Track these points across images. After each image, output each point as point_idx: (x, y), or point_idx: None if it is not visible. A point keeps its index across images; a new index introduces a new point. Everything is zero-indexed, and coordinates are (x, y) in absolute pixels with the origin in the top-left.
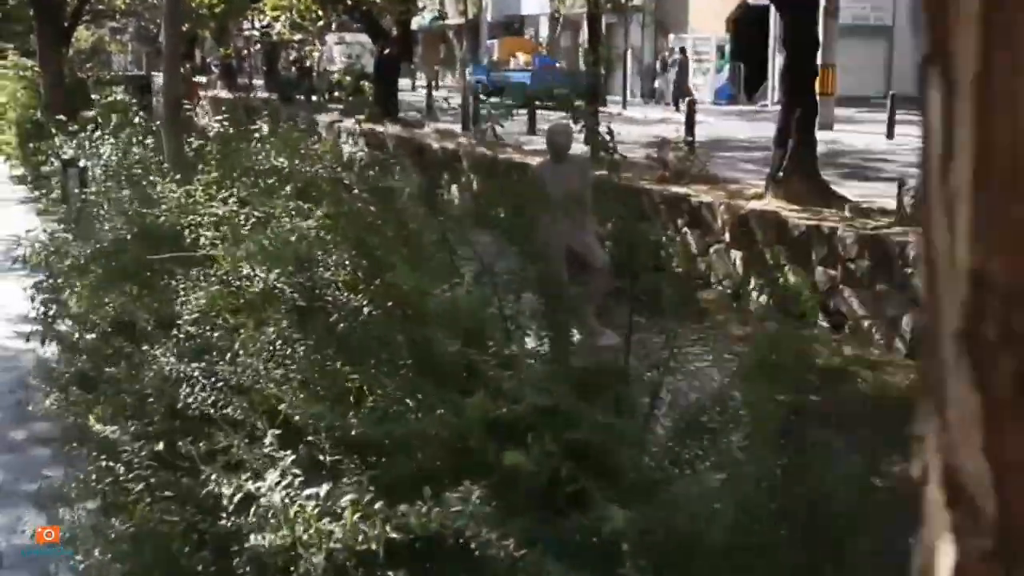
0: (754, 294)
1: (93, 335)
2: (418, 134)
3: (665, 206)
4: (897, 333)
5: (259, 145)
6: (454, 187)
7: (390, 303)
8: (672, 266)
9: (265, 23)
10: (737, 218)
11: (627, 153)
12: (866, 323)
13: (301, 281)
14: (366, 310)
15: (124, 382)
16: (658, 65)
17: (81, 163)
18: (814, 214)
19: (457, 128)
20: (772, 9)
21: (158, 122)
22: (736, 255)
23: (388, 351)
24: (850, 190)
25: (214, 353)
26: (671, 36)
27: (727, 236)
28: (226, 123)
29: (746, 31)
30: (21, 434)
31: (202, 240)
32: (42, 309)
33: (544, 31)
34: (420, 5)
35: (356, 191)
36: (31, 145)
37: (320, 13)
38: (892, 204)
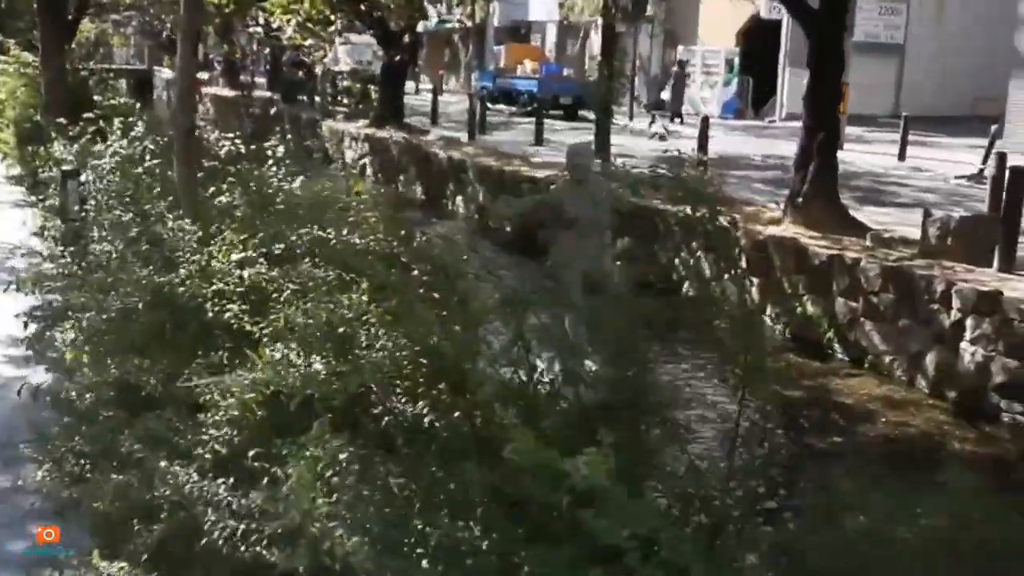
0: (769, 322)
1: (92, 396)
2: (424, 141)
3: (680, 228)
4: (919, 370)
5: (278, 178)
6: (459, 198)
7: (457, 413)
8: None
9: (276, 26)
10: (754, 244)
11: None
12: (887, 358)
13: (345, 371)
14: (427, 418)
15: (133, 489)
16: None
17: (82, 177)
18: (835, 242)
19: (463, 136)
20: (784, 23)
21: (164, 137)
22: (753, 282)
23: (459, 483)
24: (867, 215)
25: (244, 475)
26: (680, 47)
27: (744, 262)
28: (236, 142)
29: (756, 45)
30: (7, 482)
31: (227, 315)
32: (36, 356)
33: (551, 38)
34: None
35: (415, 271)
36: (29, 148)
37: (330, 16)
38: (911, 232)
